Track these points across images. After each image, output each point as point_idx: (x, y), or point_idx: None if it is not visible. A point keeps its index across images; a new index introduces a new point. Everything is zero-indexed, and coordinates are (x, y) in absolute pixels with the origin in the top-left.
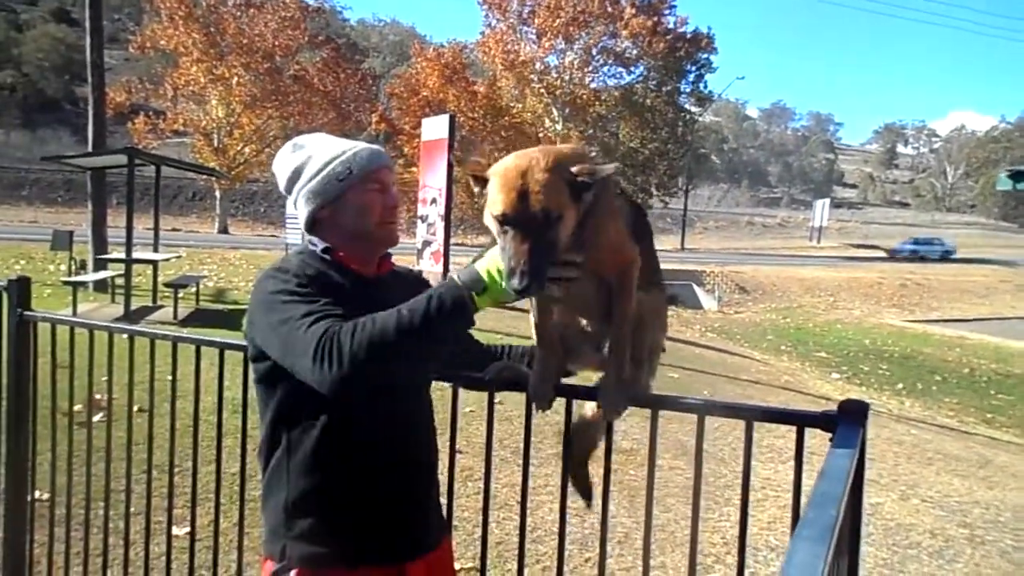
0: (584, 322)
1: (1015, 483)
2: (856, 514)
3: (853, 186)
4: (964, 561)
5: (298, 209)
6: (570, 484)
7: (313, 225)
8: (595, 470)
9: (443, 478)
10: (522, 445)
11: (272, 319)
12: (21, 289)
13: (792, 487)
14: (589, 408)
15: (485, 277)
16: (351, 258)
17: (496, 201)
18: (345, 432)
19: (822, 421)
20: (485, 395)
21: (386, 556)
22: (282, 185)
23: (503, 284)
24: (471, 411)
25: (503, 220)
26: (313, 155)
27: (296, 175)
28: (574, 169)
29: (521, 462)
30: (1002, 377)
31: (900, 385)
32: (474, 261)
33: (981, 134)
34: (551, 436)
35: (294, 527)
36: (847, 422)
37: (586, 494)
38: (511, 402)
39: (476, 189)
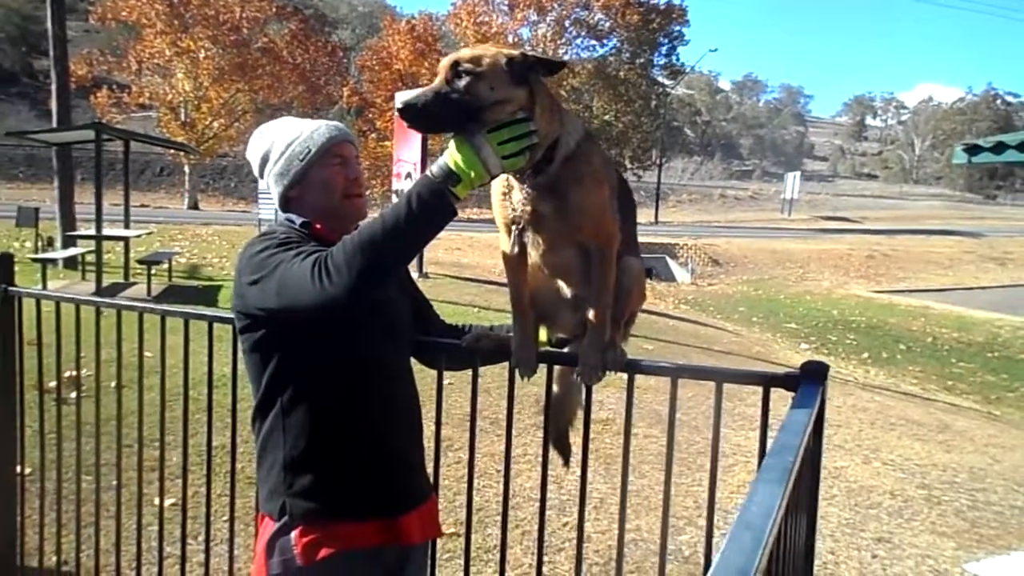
0: (563, 287)
1: (971, 447)
2: (815, 469)
3: (824, 159)
4: (921, 520)
5: (271, 192)
6: (551, 449)
7: (286, 205)
8: (574, 438)
9: (427, 447)
10: (500, 415)
11: (264, 271)
12: (4, 265)
13: (759, 445)
14: (568, 377)
15: (453, 167)
16: (327, 233)
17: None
18: (340, 391)
19: (786, 381)
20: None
21: (384, 509)
22: (257, 172)
23: (470, 172)
24: (449, 383)
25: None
26: (276, 139)
27: (264, 160)
28: (516, 53)
29: (500, 432)
30: (963, 346)
31: (866, 354)
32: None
33: (948, 106)
34: (529, 406)
35: (294, 484)
36: (808, 382)
37: (565, 457)
38: (490, 374)
39: None
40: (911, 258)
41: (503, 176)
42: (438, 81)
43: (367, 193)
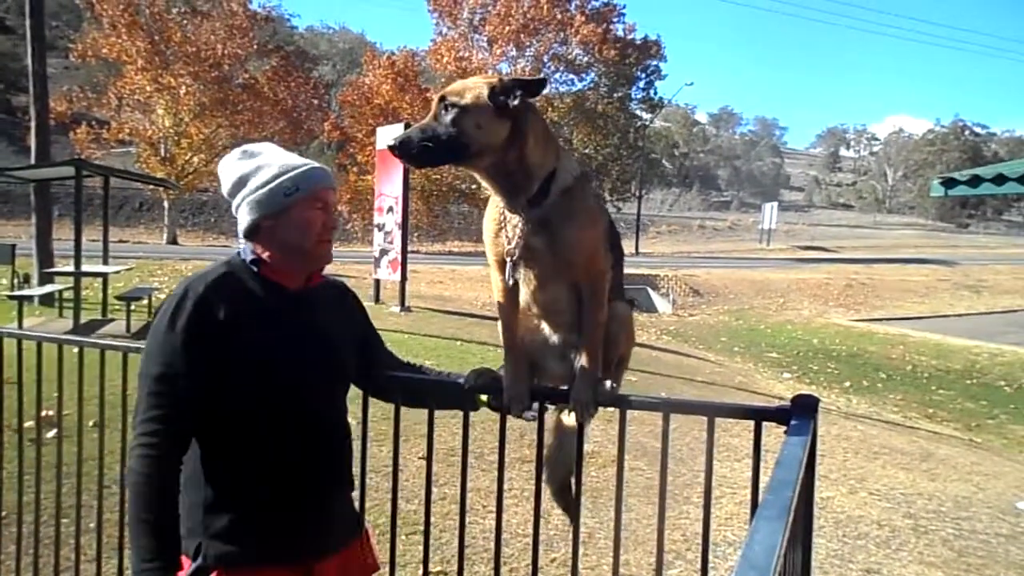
0: (550, 334)
1: (955, 475)
2: (809, 503)
3: (800, 189)
4: (909, 550)
5: (239, 215)
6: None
7: (252, 233)
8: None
9: (412, 483)
10: (484, 449)
11: (144, 364)
12: None
13: (751, 479)
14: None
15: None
16: (280, 271)
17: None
18: (255, 437)
19: (778, 415)
20: None
21: (292, 554)
22: (225, 189)
23: None
24: (436, 418)
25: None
26: (263, 165)
27: (242, 182)
28: (495, 80)
29: (484, 467)
30: (942, 373)
31: (847, 383)
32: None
33: (918, 137)
34: (514, 440)
35: (210, 526)
36: (800, 415)
37: (570, 513)
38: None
39: None
40: (888, 287)
41: (497, 210)
42: (429, 116)
43: (347, 227)
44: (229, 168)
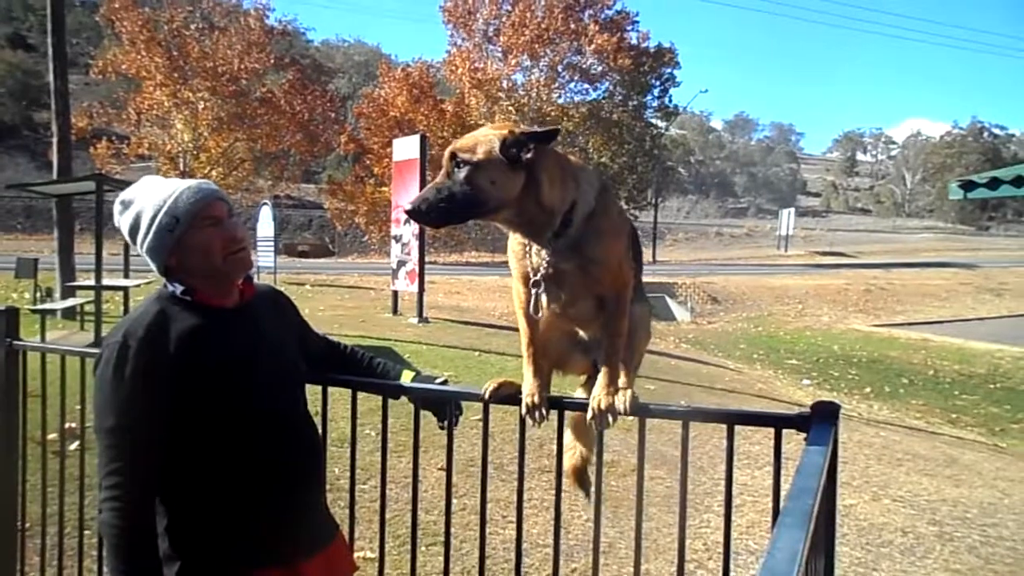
0: (577, 331)
1: (980, 481)
2: (831, 510)
3: (816, 194)
4: (934, 558)
5: (150, 264)
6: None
7: (167, 273)
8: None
9: (431, 494)
10: (503, 460)
11: (97, 418)
12: (9, 318)
13: (772, 487)
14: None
15: None
16: (210, 295)
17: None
18: (228, 457)
19: (797, 422)
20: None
21: (280, 557)
22: (130, 243)
23: None
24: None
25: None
26: (140, 211)
27: (133, 233)
28: (505, 132)
29: (503, 478)
30: (965, 378)
31: (868, 389)
32: None
33: (936, 139)
34: (533, 450)
35: (187, 544)
36: (820, 422)
37: (586, 489)
38: (491, 418)
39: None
40: (908, 291)
41: (519, 237)
42: (441, 175)
43: (365, 239)
44: (120, 224)
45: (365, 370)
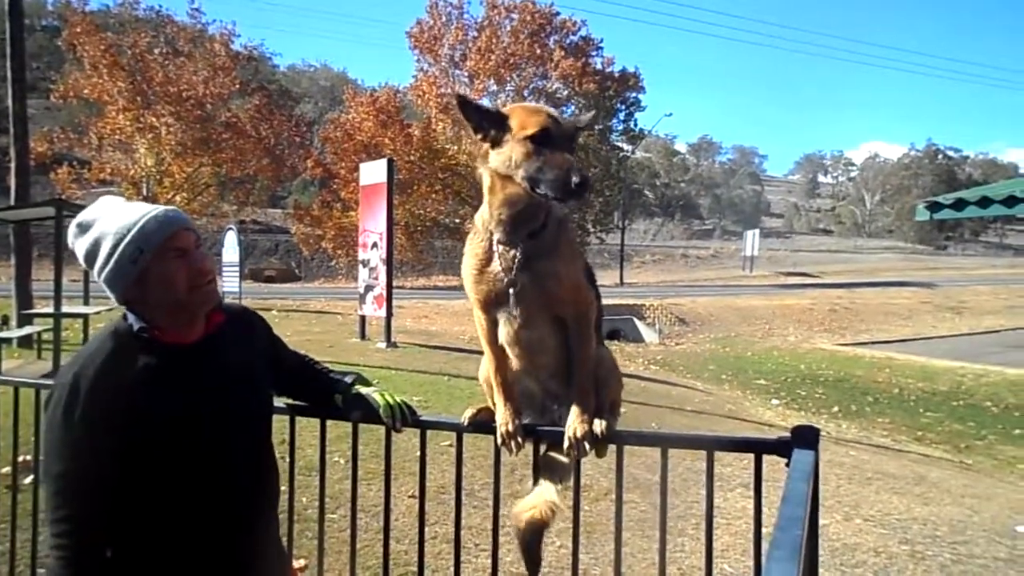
0: (530, 383)
1: (949, 498)
2: (813, 536)
3: (780, 216)
4: None
5: (108, 293)
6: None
7: (126, 303)
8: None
9: (401, 522)
10: (474, 486)
11: (45, 461)
12: None
13: (753, 512)
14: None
15: None
16: (170, 330)
17: (534, 123)
18: (172, 502)
19: (778, 447)
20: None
21: None
22: (87, 269)
23: None
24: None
25: (543, 137)
26: (100, 237)
27: (91, 260)
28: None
29: (476, 504)
30: (929, 395)
31: (836, 408)
32: None
33: (894, 161)
34: (505, 475)
35: None
36: (801, 447)
37: (531, 568)
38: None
39: (473, 125)
40: (871, 310)
41: (482, 246)
42: (568, 155)
43: (332, 263)
44: (75, 247)
45: (326, 386)
